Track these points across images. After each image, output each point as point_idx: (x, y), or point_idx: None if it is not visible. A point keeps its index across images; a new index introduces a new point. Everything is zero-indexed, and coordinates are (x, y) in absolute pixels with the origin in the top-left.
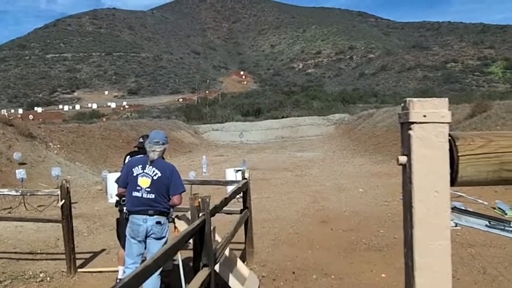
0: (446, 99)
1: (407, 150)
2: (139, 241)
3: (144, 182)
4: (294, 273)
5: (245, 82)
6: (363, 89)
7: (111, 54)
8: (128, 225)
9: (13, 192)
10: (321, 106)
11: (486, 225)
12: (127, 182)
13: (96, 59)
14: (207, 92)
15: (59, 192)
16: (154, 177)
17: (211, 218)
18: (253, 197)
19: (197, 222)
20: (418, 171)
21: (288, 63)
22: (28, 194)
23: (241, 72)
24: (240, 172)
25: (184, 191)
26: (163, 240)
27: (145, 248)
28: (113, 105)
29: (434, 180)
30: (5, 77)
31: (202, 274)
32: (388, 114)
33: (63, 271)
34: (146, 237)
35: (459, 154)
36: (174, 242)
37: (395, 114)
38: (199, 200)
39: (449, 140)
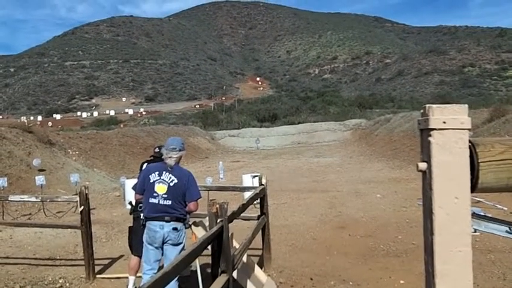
0: (466, 105)
1: (427, 157)
2: (156, 247)
3: (160, 189)
4: (311, 279)
5: (261, 88)
6: (379, 94)
7: (128, 61)
8: (145, 231)
9: (33, 199)
10: (338, 111)
11: (506, 231)
12: (144, 188)
13: (113, 66)
14: (223, 98)
15: (77, 199)
16: (171, 184)
17: (229, 224)
18: (270, 203)
19: (215, 228)
20: (438, 177)
21: (304, 68)
22: (48, 200)
23: (257, 78)
24: (256, 178)
25: (200, 197)
26: (180, 246)
27: (162, 255)
28: (130, 111)
29: (454, 186)
30: (24, 85)
31: (220, 280)
32: (405, 120)
33: (82, 277)
34: (163, 243)
35: (480, 160)
36: (193, 248)
37: (413, 119)
38: (217, 206)
39: (469, 146)
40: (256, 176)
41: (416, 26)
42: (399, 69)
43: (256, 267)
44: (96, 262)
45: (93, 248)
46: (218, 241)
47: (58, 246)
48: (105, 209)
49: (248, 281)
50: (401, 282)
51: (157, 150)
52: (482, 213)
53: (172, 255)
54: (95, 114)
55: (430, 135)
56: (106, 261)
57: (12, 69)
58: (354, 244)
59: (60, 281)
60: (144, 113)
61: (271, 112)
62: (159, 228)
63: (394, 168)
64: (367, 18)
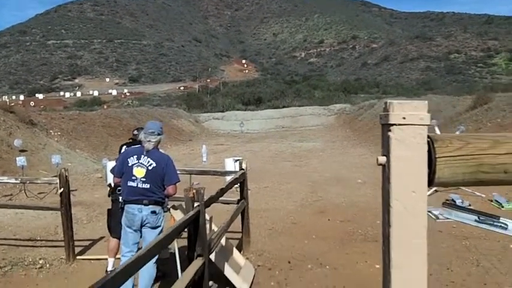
0: (426, 102)
1: (386, 151)
2: (134, 230)
3: (139, 172)
4: (289, 262)
5: (247, 71)
6: (365, 79)
7: (112, 41)
8: (124, 214)
9: (13, 180)
10: (323, 96)
11: (475, 220)
12: (123, 171)
13: (97, 45)
14: (208, 80)
15: (58, 181)
16: (149, 168)
17: (207, 209)
18: (252, 187)
19: (191, 213)
20: (396, 171)
21: (290, 52)
22: (28, 182)
23: (243, 61)
24: (238, 162)
25: (179, 181)
26: (159, 229)
27: (140, 237)
28: (114, 92)
29: (411, 180)
30: (6, 63)
31: (196, 264)
32: None
33: (62, 258)
34: (142, 226)
35: (436, 156)
36: (168, 232)
37: None
38: (194, 191)
39: (428, 142)
40: (238, 160)
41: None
42: (385, 55)
43: (235, 250)
44: (77, 243)
45: (74, 230)
46: (194, 225)
47: (39, 227)
48: (86, 191)
49: (226, 264)
50: (377, 266)
51: (136, 132)
52: (460, 200)
53: (150, 238)
54: (78, 94)
55: (389, 130)
56: (87, 243)
57: None
58: (333, 229)
59: (41, 262)
60: (128, 94)
61: (256, 95)
62: (137, 212)
63: (377, 154)
64: (355, 2)
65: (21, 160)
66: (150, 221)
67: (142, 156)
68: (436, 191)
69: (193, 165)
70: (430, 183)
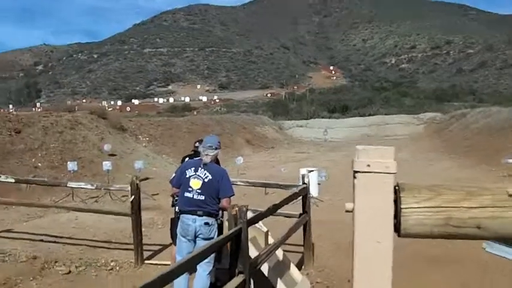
0: (393, 148)
1: (353, 199)
2: (188, 240)
3: (195, 184)
4: (349, 281)
5: (334, 77)
6: (459, 86)
7: (203, 49)
8: (179, 224)
9: (89, 186)
10: (412, 104)
11: None
12: (180, 182)
13: (189, 53)
14: (295, 87)
15: (129, 188)
16: (205, 180)
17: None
18: (326, 198)
19: (233, 230)
20: (360, 220)
21: (380, 58)
22: (102, 188)
23: (331, 67)
24: (313, 173)
25: (233, 194)
26: (212, 241)
27: (193, 248)
28: (204, 99)
29: (376, 230)
30: (106, 71)
31: (236, 280)
32: (483, 115)
33: (131, 262)
34: (195, 237)
35: (402, 206)
36: (207, 246)
37: (491, 116)
38: (237, 209)
39: (395, 190)
40: (312, 171)
41: (504, 13)
42: (482, 60)
43: (292, 266)
44: (148, 248)
45: (148, 234)
46: (236, 243)
47: (116, 229)
48: (167, 196)
49: (279, 280)
50: None
51: (197, 144)
52: None
53: None
54: (171, 100)
55: (355, 177)
56: (157, 248)
57: (95, 56)
58: (402, 248)
59: (112, 264)
60: (217, 100)
61: (342, 103)
62: (191, 222)
63: (464, 167)
64: (451, 5)
65: (106, 165)
66: (203, 232)
67: (200, 168)
68: None
69: (271, 173)
70: (398, 233)
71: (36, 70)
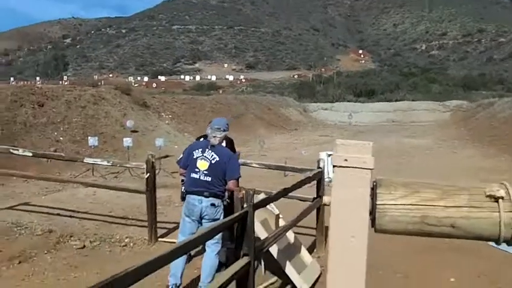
0: (371, 144)
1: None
2: (193, 220)
3: (202, 165)
4: None
5: (363, 61)
6: (489, 75)
7: (232, 28)
8: (184, 204)
9: (105, 163)
10: (440, 91)
11: None
12: (187, 163)
13: (218, 32)
14: (323, 69)
15: (144, 166)
16: (212, 161)
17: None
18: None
19: (239, 212)
20: (336, 214)
21: (410, 43)
22: (118, 165)
23: (360, 51)
24: (331, 157)
25: (240, 176)
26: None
27: (197, 229)
28: (231, 78)
29: (351, 224)
30: (134, 46)
31: (241, 262)
32: (510, 105)
33: (145, 239)
34: (201, 218)
35: (377, 203)
36: (212, 227)
37: None
38: (244, 191)
39: (373, 186)
40: (331, 154)
41: None
42: None
43: (303, 249)
44: (164, 225)
45: (165, 212)
46: (242, 225)
47: (133, 206)
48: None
49: (288, 262)
50: (452, 280)
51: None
52: None
53: None
54: (197, 78)
55: (333, 172)
56: (172, 226)
57: (123, 31)
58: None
59: (126, 240)
60: (243, 80)
61: (368, 87)
62: (197, 203)
63: (487, 157)
64: None
65: (127, 141)
66: (208, 213)
67: (207, 150)
68: None
69: (292, 155)
70: (374, 228)
71: (64, 43)
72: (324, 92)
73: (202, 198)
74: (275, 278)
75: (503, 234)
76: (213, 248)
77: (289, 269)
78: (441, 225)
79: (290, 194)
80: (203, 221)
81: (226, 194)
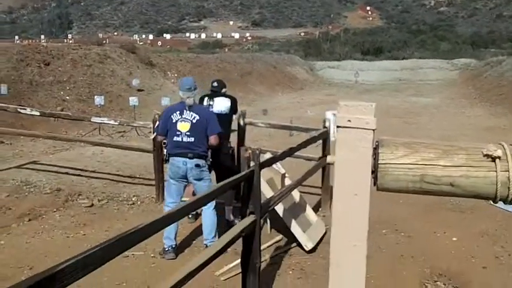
0: (374, 105)
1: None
2: (178, 181)
3: (183, 127)
4: None
5: (370, 18)
6: (498, 32)
7: None
8: (169, 167)
9: (112, 122)
10: (448, 48)
11: None
12: (167, 129)
13: None
14: (329, 26)
15: (151, 125)
16: (193, 121)
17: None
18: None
19: (245, 172)
20: (339, 173)
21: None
22: (125, 124)
23: (368, 8)
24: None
25: (220, 131)
26: (207, 181)
27: (183, 188)
28: (237, 35)
29: (354, 183)
30: (138, 3)
31: (246, 220)
32: None
33: (153, 197)
34: (186, 178)
35: (379, 162)
36: (218, 186)
37: None
38: (250, 151)
39: (376, 146)
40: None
41: None
42: None
43: (308, 207)
44: None
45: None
46: (249, 184)
47: (140, 165)
48: None
49: (293, 220)
50: (454, 239)
51: (215, 84)
52: None
53: (201, 189)
54: (203, 36)
55: (337, 132)
56: None
57: None
58: (423, 195)
59: (133, 199)
60: (249, 38)
61: (376, 45)
62: (182, 164)
63: (495, 115)
64: None
65: (133, 100)
66: (193, 174)
67: (185, 111)
68: None
69: (298, 115)
70: (376, 187)
71: (68, 1)
72: (331, 50)
73: (187, 159)
74: (280, 236)
75: (499, 193)
76: (209, 204)
77: (295, 228)
78: (440, 184)
79: (296, 153)
80: (193, 182)
81: (210, 153)
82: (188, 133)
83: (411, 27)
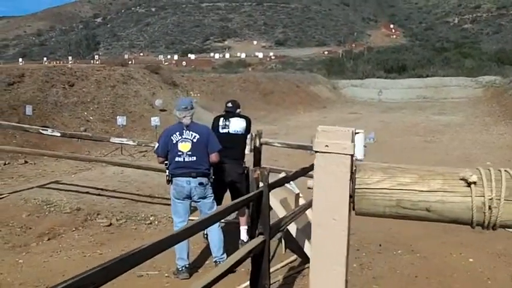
0: (352, 130)
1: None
2: (183, 201)
3: (184, 147)
4: (380, 245)
5: (394, 36)
6: None
7: (261, 4)
8: (173, 187)
9: (130, 142)
10: (473, 66)
11: None
12: (167, 150)
13: (247, 8)
14: (353, 45)
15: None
16: (194, 140)
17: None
18: (370, 162)
19: (253, 192)
20: (318, 197)
21: (443, 17)
22: (143, 145)
23: (391, 26)
24: (358, 135)
25: (220, 148)
26: (211, 198)
27: (190, 207)
28: (260, 55)
29: (333, 207)
30: (163, 24)
31: (255, 241)
32: None
33: (170, 217)
34: (190, 198)
35: (355, 187)
36: (226, 207)
37: None
38: (259, 172)
39: (354, 171)
40: (359, 132)
41: None
42: None
43: None
44: None
45: None
46: (257, 205)
47: (160, 184)
48: None
49: (306, 241)
50: (470, 260)
51: (230, 105)
52: None
53: (205, 207)
54: (227, 56)
55: (315, 157)
56: None
57: (153, 9)
58: None
59: (151, 218)
60: (273, 57)
61: (400, 63)
62: (186, 184)
63: None
64: None
65: (155, 120)
66: (197, 193)
67: (184, 131)
68: None
69: None
70: (355, 211)
71: (95, 22)
72: (354, 68)
73: (190, 179)
74: (295, 257)
75: (475, 218)
76: None
77: (308, 248)
78: (416, 209)
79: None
80: (197, 201)
81: (211, 170)
82: (190, 152)
83: (435, 44)
